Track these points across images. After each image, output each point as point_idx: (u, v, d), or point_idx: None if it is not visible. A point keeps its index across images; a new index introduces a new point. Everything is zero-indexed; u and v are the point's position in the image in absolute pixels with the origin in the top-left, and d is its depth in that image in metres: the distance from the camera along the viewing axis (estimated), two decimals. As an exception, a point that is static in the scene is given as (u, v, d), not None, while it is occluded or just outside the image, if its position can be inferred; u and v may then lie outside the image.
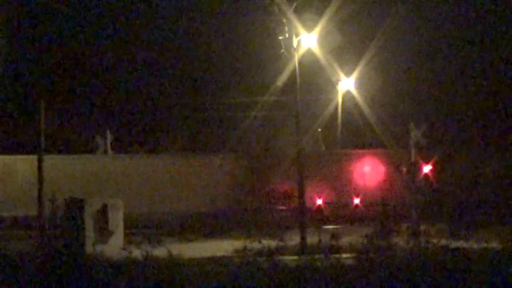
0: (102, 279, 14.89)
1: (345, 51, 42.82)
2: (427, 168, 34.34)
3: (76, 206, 26.51)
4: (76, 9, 49.64)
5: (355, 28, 45.15)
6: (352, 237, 19.31)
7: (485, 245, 16.85)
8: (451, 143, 44.25)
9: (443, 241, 16.88)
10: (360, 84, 43.18)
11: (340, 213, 36.98)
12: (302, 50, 29.41)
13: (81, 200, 26.63)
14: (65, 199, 27.05)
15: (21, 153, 35.75)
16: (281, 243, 17.23)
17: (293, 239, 22.92)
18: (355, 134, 45.72)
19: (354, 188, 37.70)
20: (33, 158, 29.57)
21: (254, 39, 42.55)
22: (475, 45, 51.75)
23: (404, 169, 33.34)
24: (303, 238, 26.85)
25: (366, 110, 42.81)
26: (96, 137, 38.06)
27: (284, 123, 44.00)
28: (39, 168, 28.51)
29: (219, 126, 48.21)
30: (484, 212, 35.81)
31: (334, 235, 18.24)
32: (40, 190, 28.31)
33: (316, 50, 32.46)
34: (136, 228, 29.51)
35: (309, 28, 29.69)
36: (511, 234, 18.72)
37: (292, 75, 28.53)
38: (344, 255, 16.80)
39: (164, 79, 50.97)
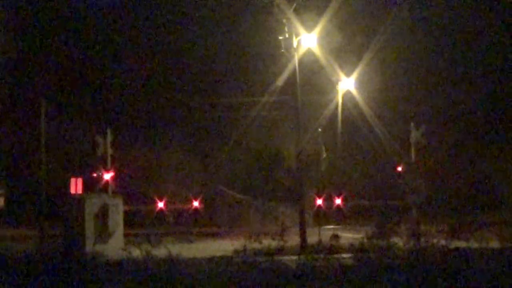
0: (102, 279, 14.88)
1: (345, 51, 42.81)
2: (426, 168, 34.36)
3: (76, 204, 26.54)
4: (77, 9, 49.66)
5: (355, 28, 45.16)
6: (352, 237, 19.31)
7: (485, 245, 16.81)
8: (451, 143, 44.30)
9: (443, 241, 16.85)
10: (360, 84, 43.13)
11: None
12: (302, 50, 29.38)
13: (81, 198, 26.65)
14: (65, 198, 27.10)
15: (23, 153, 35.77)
16: (281, 243, 17.19)
17: (293, 239, 22.91)
18: (355, 134, 45.71)
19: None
20: None
21: (254, 39, 42.57)
22: (475, 45, 51.76)
23: (404, 169, 33.36)
24: (303, 238, 26.88)
25: (366, 110, 42.78)
26: (96, 137, 37.99)
27: (284, 123, 44.00)
28: (40, 166, 28.53)
29: (219, 126, 48.22)
30: (484, 212, 35.86)
31: (334, 235, 18.19)
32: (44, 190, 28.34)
33: (316, 50, 32.40)
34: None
35: (309, 28, 29.66)
36: (511, 234, 18.69)
37: (292, 75, 28.52)
38: (344, 255, 16.79)
39: (164, 79, 50.96)
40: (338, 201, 43.02)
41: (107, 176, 34.74)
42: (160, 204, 41.62)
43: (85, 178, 34.06)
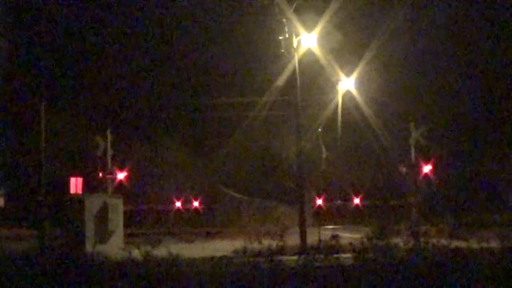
0: (102, 279, 14.88)
1: (345, 51, 42.81)
2: (427, 168, 34.36)
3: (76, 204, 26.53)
4: (77, 10, 49.65)
5: (355, 28, 45.16)
6: (352, 237, 19.30)
7: (485, 245, 16.79)
8: (451, 143, 44.29)
9: (443, 241, 16.84)
10: (360, 84, 43.11)
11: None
12: (302, 50, 29.38)
13: (81, 198, 26.64)
14: (65, 197, 27.11)
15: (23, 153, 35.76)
16: (281, 243, 17.18)
17: (293, 239, 22.91)
18: (355, 134, 45.69)
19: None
20: None
21: (254, 39, 42.57)
22: (475, 45, 51.75)
23: (404, 169, 33.37)
24: (303, 238, 26.89)
25: (366, 110, 42.78)
26: (96, 137, 38.01)
27: (284, 123, 44.00)
28: (40, 166, 28.51)
29: (219, 126, 48.22)
30: (484, 212, 35.83)
31: (334, 235, 18.17)
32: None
33: (316, 50, 32.37)
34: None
35: (309, 28, 29.65)
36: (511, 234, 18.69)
37: (292, 75, 28.53)
38: (344, 255, 16.77)
39: (164, 79, 50.97)
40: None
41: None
42: (161, 204, 41.64)
43: (85, 178, 34.08)
